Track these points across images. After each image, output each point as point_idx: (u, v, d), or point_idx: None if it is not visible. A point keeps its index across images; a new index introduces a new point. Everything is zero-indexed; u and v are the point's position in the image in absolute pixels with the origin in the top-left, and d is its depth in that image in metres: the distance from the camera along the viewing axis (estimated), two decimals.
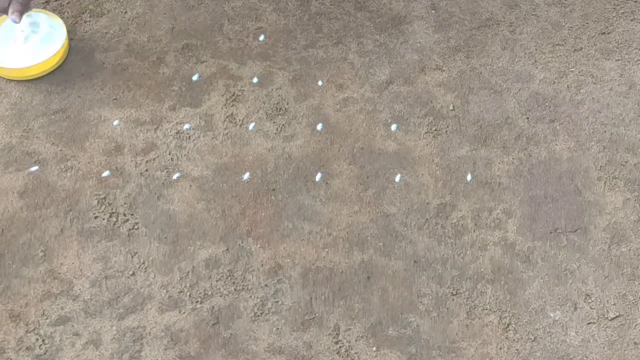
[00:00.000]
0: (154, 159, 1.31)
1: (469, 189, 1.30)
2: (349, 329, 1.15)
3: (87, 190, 1.27)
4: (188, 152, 1.32)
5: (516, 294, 1.19)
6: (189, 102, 1.38)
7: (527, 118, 1.38)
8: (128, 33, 1.46)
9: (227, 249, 1.22)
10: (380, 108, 1.39)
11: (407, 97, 1.40)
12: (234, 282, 1.19)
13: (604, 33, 1.51)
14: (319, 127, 1.35)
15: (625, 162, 1.34)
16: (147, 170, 1.30)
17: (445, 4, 1.53)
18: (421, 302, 1.18)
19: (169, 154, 1.32)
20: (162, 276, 1.19)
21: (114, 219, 1.24)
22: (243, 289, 1.18)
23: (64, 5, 1.50)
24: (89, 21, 1.48)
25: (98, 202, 1.26)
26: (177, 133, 1.34)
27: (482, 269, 1.21)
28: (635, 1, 1.55)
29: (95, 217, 1.24)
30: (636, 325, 1.17)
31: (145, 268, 1.20)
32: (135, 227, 1.23)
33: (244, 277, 1.19)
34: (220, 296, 1.17)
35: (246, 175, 1.29)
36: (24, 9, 1.36)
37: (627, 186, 1.31)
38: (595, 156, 1.34)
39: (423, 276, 1.20)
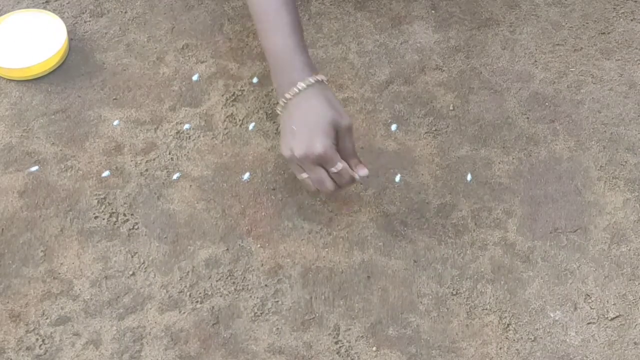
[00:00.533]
0: (154, 159, 1.31)
1: (469, 189, 1.30)
2: (349, 329, 1.15)
3: (87, 190, 1.27)
4: (188, 152, 1.32)
5: (516, 294, 1.19)
6: (189, 102, 1.38)
7: (527, 118, 1.38)
8: (128, 33, 1.46)
9: (227, 249, 1.22)
10: (380, 108, 1.39)
11: (407, 97, 1.40)
12: (234, 282, 1.19)
13: (604, 33, 1.51)
14: None
15: (625, 162, 1.34)
16: (147, 170, 1.30)
17: (445, 4, 1.53)
18: (421, 302, 1.18)
19: (169, 154, 1.32)
20: (162, 276, 1.19)
21: (114, 219, 1.24)
22: (243, 288, 1.18)
23: (64, 5, 1.50)
24: (89, 21, 1.48)
25: (98, 202, 1.26)
26: (177, 133, 1.34)
27: (482, 269, 1.21)
28: (635, 1, 1.55)
29: (95, 217, 1.24)
30: (636, 325, 1.17)
31: (145, 268, 1.20)
32: (135, 227, 1.23)
33: (244, 277, 1.19)
34: (220, 296, 1.17)
35: (246, 175, 1.29)
36: (357, 157, 1.17)
37: (627, 186, 1.31)
38: (595, 156, 1.34)
39: (423, 276, 1.21)
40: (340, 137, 1.14)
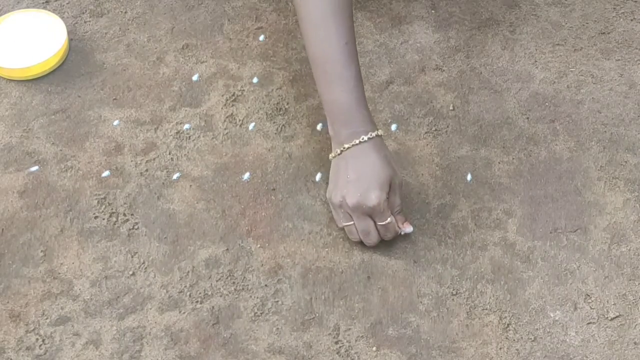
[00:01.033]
0: (154, 159, 1.31)
1: (469, 189, 1.30)
2: (349, 329, 1.15)
3: (87, 190, 1.27)
4: (188, 152, 1.32)
5: (516, 294, 1.19)
6: (189, 102, 1.38)
7: (527, 118, 1.38)
8: (128, 33, 1.46)
9: (227, 249, 1.22)
10: (380, 108, 1.39)
11: (407, 97, 1.40)
12: (234, 282, 1.19)
13: (604, 33, 1.50)
14: (319, 127, 1.35)
15: (625, 162, 1.34)
16: (147, 170, 1.30)
17: (445, 4, 1.53)
18: (421, 302, 1.18)
19: (169, 154, 1.32)
20: (162, 276, 1.19)
21: (114, 219, 1.24)
22: (243, 289, 1.18)
23: (64, 5, 1.50)
24: (89, 21, 1.48)
25: (98, 202, 1.26)
26: (177, 133, 1.34)
27: (482, 269, 1.21)
28: (635, 1, 1.55)
29: (95, 217, 1.24)
30: (636, 325, 1.17)
31: (145, 268, 1.20)
32: (135, 227, 1.23)
33: (244, 277, 1.19)
34: (220, 296, 1.17)
35: (246, 175, 1.29)
36: (402, 214, 1.22)
37: (627, 186, 1.31)
38: (595, 156, 1.34)
39: (423, 276, 1.20)
40: (391, 192, 1.19)
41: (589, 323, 1.17)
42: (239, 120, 1.36)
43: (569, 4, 1.54)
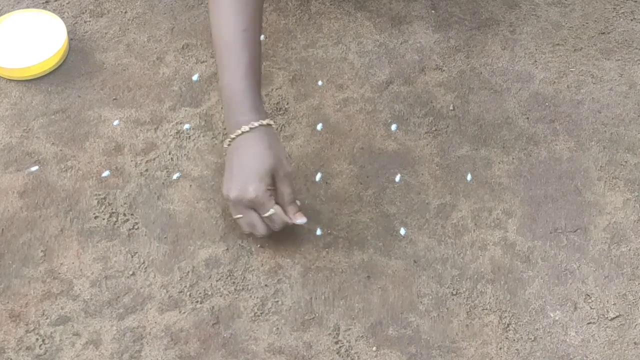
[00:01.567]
0: (154, 159, 1.31)
1: (469, 189, 1.30)
2: (349, 329, 1.15)
3: (87, 190, 1.27)
4: (188, 152, 1.32)
5: (516, 294, 1.19)
6: (189, 102, 1.38)
7: (527, 118, 1.38)
8: (128, 33, 1.46)
9: (227, 249, 1.22)
10: (380, 108, 1.39)
11: (407, 97, 1.40)
12: (234, 282, 1.19)
13: (604, 33, 1.51)
14: (319, 127, 1.35)
15: (625, 162, 1.34)
16: (147, 170, 1.30)
17: (445, 4, 1.53)
18: (421, 302, 1.18)
19: (169, 153, 1.32)
20: (162, 276, 1.19)
21: (114, 219, 1.24)
22: (243, 288, 1.18)
23: (64, 5, 1.50)
24: (89, 21, 1.48)
25: (98, 202, 1.26)
26: (177, 133, 1.34)
27: (482, 269, 1.21)
28: (635, 1, 1.55)
29: (95, 217, 1.24)
30: (636, 325, 1.17)
31: (145, 268, 1.20)
32: (135, 227, 1.23)
33: (244, 277, 1.19)
34: (220, 296, 1.17)
35: None
36: (295, 205, 1.19)
37: (627, 186, 1.31)
38: (595, 156, 1.34)
39: (423, 276, 1.21)
40: (278, 183, 1.17)
41: (589, 323, 1.17)
42: None
43: (569, 4, 1.55)
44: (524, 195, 1.29)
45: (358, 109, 1.38)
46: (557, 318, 1.17)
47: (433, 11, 1.52)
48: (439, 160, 1.33)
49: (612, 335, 1.16)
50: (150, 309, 1.16)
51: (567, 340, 1.15)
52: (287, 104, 1.38)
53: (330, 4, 1.52)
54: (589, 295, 1.19)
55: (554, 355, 1.14)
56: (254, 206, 1.16)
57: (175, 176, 1.29)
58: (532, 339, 1.15)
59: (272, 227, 1.18)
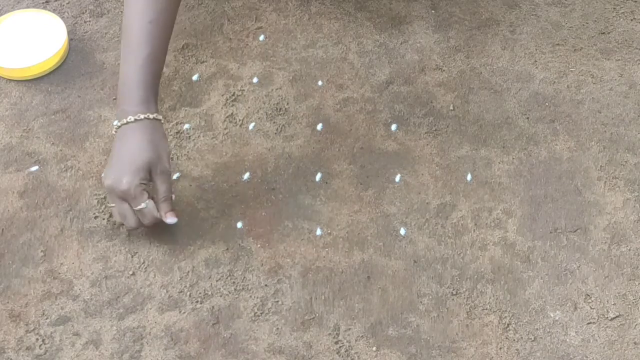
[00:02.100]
0: None
1: (469, 189, 1.30)
2: (349, 329, 1.15)
3: (87, 190, 1.27)
4: (188, 152, 1.32)
5: (516, 294, 1.19)
6: (189, 102, 1.38)
7: (527, 118, 1.38)
8: None
9: (227, 249, 1.22)
10: (380, 108, 1.39)
11: (407, 97, 1.40)
12: (234, 282, 1.19)
13: (604, 33, 1.51)
14: (319, 127, 1.35)
15: (625, 162, 1.34)
16: None
17: (445, 4, 1.53)
18: (421, 302, 1.18)
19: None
20: (162, 276, 1.19)
21: (114, 219, 1.24)
22: (243, 288, 1.18)
23: (64, 5, 1.50)
24: (89, 21, 1.48)
25: (98, 202, 1.26)
26: (177, 133, 1.34)
27: (482, 269, 1.21)
28: (635, 1, 1.55)
29: (95, 217, 1.24)
30: (636, 325, 1.17)
31: (145, 268, 1.20)
32: None
33: (244, 277, 1.19)
34: (220, 296, 1.17)
35: (246, 175, 1.29)
36: (169, 203, 1.19)
37: (627, 186, 1.31)
38: (595, 156, 1.34)
39: (423, 276, 1.21)
40: (154, 179, 1.17)
41: (589, 323, 1.17)
42: (239, 120, 1.36)
43: (569, 4, 1.55)
44: (524, 195, 1.29)
45: (358, 109, 1.38)
46: (557, 318, 1.17)
47: (433, 11, 1.52)
48: (439, 160, 1.33)
49: (612, 335, 1.16)
50: (150, 309, 1.16)
51: (567, 340, 1.15)
52: (287, 104, 1.38)
53: (330, 4, 1.52)
54: (589, 295, 1.19)
55: (554, 355, 1.14)
56: (126, 198, 1.16)
57: (175, 176, 1.29)
58: (532, 339, 1.15)
59: (142, 220, 1.17)
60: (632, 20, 1.53)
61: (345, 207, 1.27)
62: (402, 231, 1.24)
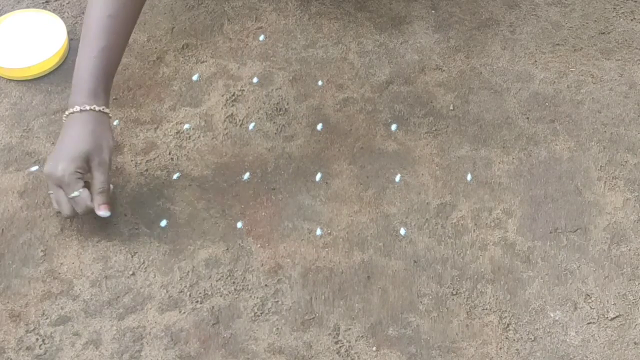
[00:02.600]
0: (154, 159, 1.31)
1: (469, 189, 1.30)
2: (349, 329, 1.15)
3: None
4: (188, 152, 1.32)
5: (516, 294, 1.19)
6: (189, 102, 1.38)
7: (527, 118, 1.38)
8: None
9: (227, 249, 1.22)
10: (380, 108, 1.39)
11: (407, 97, 1.40)
12: (234, 282, 1.19)
13: (604, 33, 1.51)
14: (319, 127, 1.35)
15: (625, 162, 1.34)
16: (147, 169, 1.30)
17: (445, 4, 1.53)
18: (421, 302, 1.18)
19: (169, 153, 1.32)
20: (162, 276, 1.19)
21: (114, 219, 1.24)
22: (243, 288, 1.18)
23: (64, 5, 1.50)
24: None
25: None
26: (177, 133, 1.34)
27: (482, 269, 1.21)
28: (635, 1, 1.55)
29: (95, 217, 1.24)
30: (636, 325, 1.17)
31: (145, 268, 1.20)
32: (135, 227, 1.23)
33: (244, 277, 1.19)
34: (220, 296, 1.17)
35: (246, 175, 1.29)
36: (104, 196, 1.19)
37: (627, 186, 1.31)
38: (595, 156, 1.34)
39: (423, 276, 1.21)
40: (92, 170, 1.18)
41: (589, 323, 1.17)
42: (239, 120, 1.36)
43: (569, 4, 1.55)
44: (524, 195, 1.29)
45: (358, 109, 1.38)
46: (557, 318, 1.17)
47: (433, 11, 1.52)
48: (439, 160, 1.33)
49: (612, 335, 1.16)
50: (150, 309, 1.16)
51: (567, 340, 1.15)
52: (287, 104, 1.38)
53: (330, 4, 1.52)
54: (589, 295, 1.19)
55: (554, 355, 1.14)
56: (61, 185, 1.18)
57: (175, 176, 1.29)
58: (532, 339, 1.15)
59: (76, 209, 1.18)
60: (632, 20, 1.53)
61: (345, 207, 1.27)
62: (402, 231, 1.24)
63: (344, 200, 1.28)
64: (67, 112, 1.21)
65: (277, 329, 1.15)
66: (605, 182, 1.31)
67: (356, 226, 1.25)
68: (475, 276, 1.21)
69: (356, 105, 1.39)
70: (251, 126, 1.35)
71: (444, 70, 1.44)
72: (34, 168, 1.29)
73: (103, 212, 1.19)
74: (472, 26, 1.51)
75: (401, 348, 1.14)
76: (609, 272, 1.22)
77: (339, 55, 1.45)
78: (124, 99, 1.38)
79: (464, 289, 1.19)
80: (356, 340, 1.14)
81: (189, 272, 1.19)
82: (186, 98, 1.39)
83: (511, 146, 1.35)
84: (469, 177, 1.31)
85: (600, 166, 1.33)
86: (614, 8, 1.54)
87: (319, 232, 1.23)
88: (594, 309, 1.18)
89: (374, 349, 1.14)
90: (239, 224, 1.24)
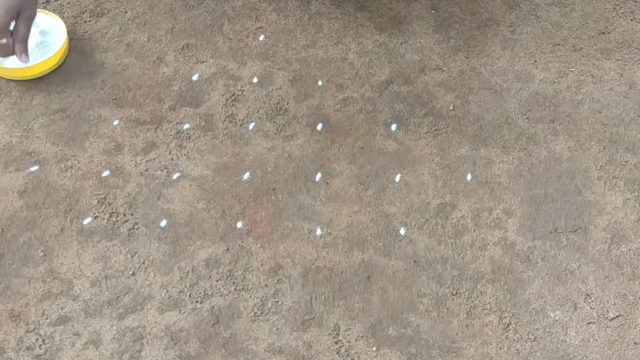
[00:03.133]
0: (154, 159, 1.31)
1: (469, 189, 1.30)
2: (349, 329, 1.15)
3: (87, 190, 1.27)
4: (188, 152, 1.32)
5: (516, 294, 1.19)
6: (189, 102, 1.38)
7: (527, 118, 1.39)
8: (128, 33, 1.46)
9: (227, 249, 1.22)
10: (380, 108, 1.39)
11: (407, 97, 1.40)
12: (234, 282, 1.19)
13: (604, 33, 1.51)
14: (319, 127, 1.35)
15: (625, 162, 1.34)
16: (147, 170, 1.30)
17: (445, 4, 1.53)
18: (421, 302, 1.18)
19: (169, 153, 1.32)
20: (162, 276, 1.19)
21: (114, 219, 1.24)
22: (243, 288, 1.18)
23: (64, 5, 1.50)
24: (89, 21, 1.48)
25: (98, 202, 1.26)
26: (177, 133, 1.34)
27: (482, 269, 1.21)
28: (635, 1, 1.55)
29: (95, 217, 1.24)
30: (636, 325, 1.17)
31: (145, 268, 1.20)
32: (135, 227, 1.23)
33: (244, 277, 1.19)
34: (220, 296, 1.17)
35: (246, 175, 1.29)
36: (26, 45, 1.35)
37: (627, 186, 1.31)
38: (595, 156, 1.34)
39: (423, 276, 1.21)
40: (19, 20, 1.33)
41: (589, 323, 1.17)
42: (239, 120, 1.36)
43: (569, 4, 1.55)
44: (524, 195, 1.29)
45: (358, 108, 1.38)
46: (557, 318, 1.17)
47: (433, 11, 1.52)
48: (439, 160, 1.33)
49: (612, 335, 1.16)
50: (150, 309, 1.16)
51: (567, 340, 1.15)
52: (287, 104, 1.38)
53: (330, 4, 1.52)
54: (589, 295, 1.19)
55: (554, 355, 1.14)
56: None
57: (175, 176, 1.29)
58: (532, 339, 1.15)
59: (0, 53, 1.35)
60: (632, 20, 1.53)
61: (345, 207, 1.27)
62: (402, 231, 1.24)
63: (344, 200, 1.28)
64: None
65: (277, 329, 1.15)
66: (605, 182, 1.31)
67: (356, 226, 1.25)
68: (475, 276, 1.21)
69: (356, 105, 1.39)
70: (251, 126, 1.35)
71: (444, 70, 1.44)
72: (34, 168, 1.29)
73: (24, 57, 1.34)
74: (472, 26, 1.51)
75: (401, 348, 1.14)
76: (609, 272, 1.22)
77: (339, 55, 1.45)
78: (124, 99, 1.38)
79: (464, 289, 1.19)
80: (356, 340, 1.14)
81: (189, 272, 1.19)
82: (186, 98, 1.39)
83: (511, 146, 1.35)
84: (469, 177, 1.31)
85: (600, 166, 1.33)
86: (614, 8, 1.54)
87: (319, 232, 1.23)
88: (594, 309, 1.18)
89: (374, 349, 1.14)
90: (239, 224, 1.24)
